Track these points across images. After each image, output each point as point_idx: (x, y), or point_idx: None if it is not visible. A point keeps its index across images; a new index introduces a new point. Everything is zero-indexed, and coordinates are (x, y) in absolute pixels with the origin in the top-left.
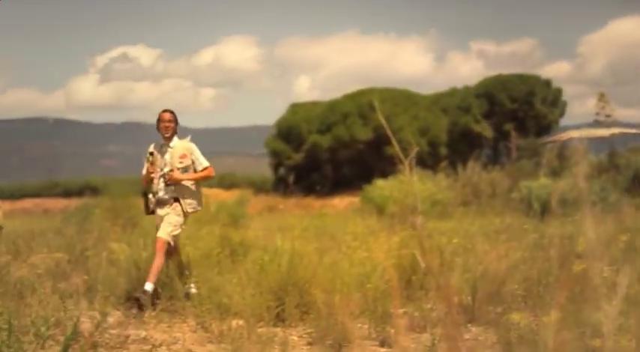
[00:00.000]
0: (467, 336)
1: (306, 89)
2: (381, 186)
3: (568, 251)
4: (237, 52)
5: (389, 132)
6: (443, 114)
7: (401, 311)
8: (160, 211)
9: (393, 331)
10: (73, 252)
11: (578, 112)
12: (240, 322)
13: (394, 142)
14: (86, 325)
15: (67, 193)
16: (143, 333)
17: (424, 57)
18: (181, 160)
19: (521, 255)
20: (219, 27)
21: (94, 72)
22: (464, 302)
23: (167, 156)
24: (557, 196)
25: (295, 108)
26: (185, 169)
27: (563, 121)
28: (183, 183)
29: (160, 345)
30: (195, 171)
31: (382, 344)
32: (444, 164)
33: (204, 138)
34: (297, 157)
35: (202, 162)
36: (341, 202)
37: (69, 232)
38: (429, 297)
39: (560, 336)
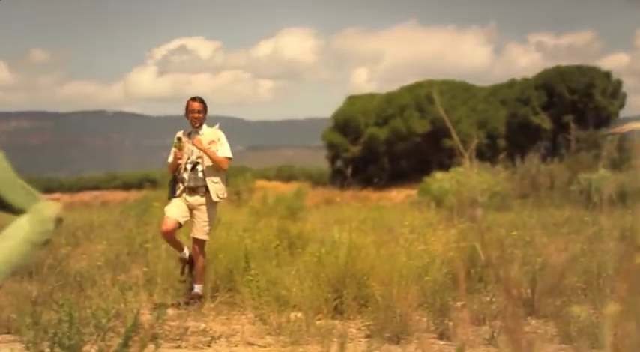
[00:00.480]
0: (526, 329)
1: (364, 81)
2: (439, 179)
3: (628, 243)
4: (295, 44)
5: (448, 124)
6: (501, 106)
7: (460, 303)
8: (189, 198)
9: (451, 323)
10: (133, 244)
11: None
12: (299, 314)
13: (453, 134)
14: (146, 317)
15: (126, 186)
16: (202, 325)
17: (483, 49)
18: (209, 146)
19: (580, 247)
20: (277, 19)
21: (153, 64)
22: (523, 294)
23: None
24: (617, 188)
25: (352, 100)
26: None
27: (623, 113)
28: (211, 169)
29: (219, 337)
30: None
31: (441, 337)
32: (502, 156)
33: (262, 131)
34: (355, 149)
35: (225, 151)
36: (398, 195)
37: (128, 224)
38: (488, 290)
39: (621, 329)
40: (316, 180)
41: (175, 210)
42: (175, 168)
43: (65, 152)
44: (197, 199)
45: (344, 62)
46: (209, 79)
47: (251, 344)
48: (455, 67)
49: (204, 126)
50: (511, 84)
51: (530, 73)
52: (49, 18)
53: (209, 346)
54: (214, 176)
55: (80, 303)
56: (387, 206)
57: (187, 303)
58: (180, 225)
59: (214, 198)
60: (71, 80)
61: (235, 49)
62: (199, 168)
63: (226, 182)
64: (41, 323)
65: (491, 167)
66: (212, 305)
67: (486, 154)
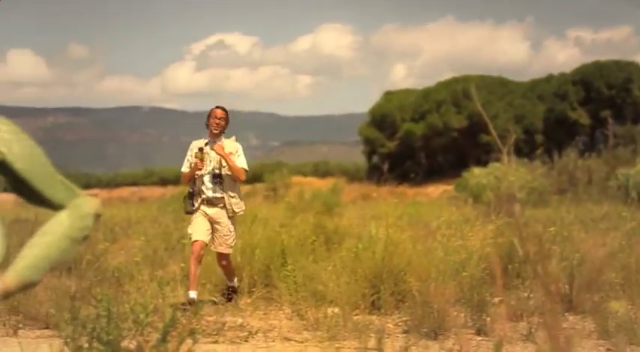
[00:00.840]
0: (564, 325)
1: (402, 77)
2: (476, 174)
3: None
4: (333, 39)
5: (486, 119)
6: (539, 101)
7: (497, 299)
8: (209, 210)
9: (489, 319)
10: (170, 239)
11: None
12: (336, 310)
13: (491, 130)
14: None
15: (163, 181)
16: (239, 320)
17: (520, 44)
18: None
19: (619, 242)
20: (315, 14)
21: (190, 59)
22: (561, 290)
23: (213, 154)
24: None
25: (389, 96)
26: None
27: None
28: (229, 182)
29: (257, 332)
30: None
31: (478, 333)
32: (539, 152)
33: (299, 127)
34: (391, 145)
35: (242, 162)
36: (435, 190)
37: (165, 220)
38: (526, 286)
39: None
40: (352, 176)
41: (201, 231)
42: (190, 178)
43: (102, 148)
44: (217, 212)
45: (382, 58)
46: (247, 75)
47: (288, 339)
48: (492, 63)
49: (223, 137)
50: (548, 79)
51: (568, 69)
52: (87, 13)
53: (246, 341)
54: (232, 190)
55: (118, 298)
56: (424, 201)
57: (230, 300)
58: (206, 245)
59: (230, 214)
60: (108, 76)
61: (273, 44)
62: (218, 180)
63: (242, 197)
64: (79, 318)
65: (528, 162)
66: (249, 301)
67: (524, 150)
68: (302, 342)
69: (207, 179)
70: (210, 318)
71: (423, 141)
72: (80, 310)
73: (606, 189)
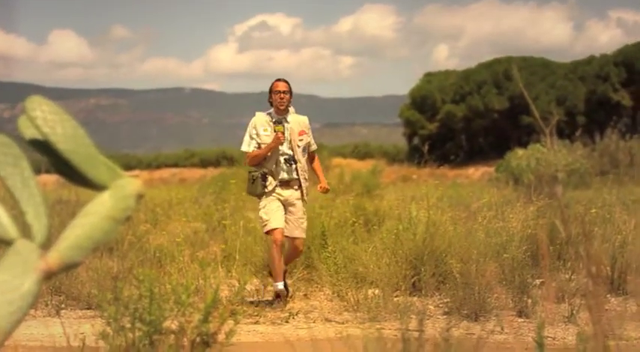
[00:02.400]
0: (607, 307)
1: (445, 57)
2: (518, 156)
3: None
4: (376, 20)
5: (528, 101)
6: (580, 82)
7: (539, 281)
8: (283, 192)
9: (530, 301)
10: (211, 221)
11: None
12: (376, 291)
13: (534, 111)
14: (225, 293)
15: (204, 163)
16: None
17: (563, 25)
18: (301, 137)
19: None
20: None
21: (233, 41)
22: (603, 272)
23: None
24: None
25: (429, 77)
26: (304, 149)
27: None
28: (304, 163)
29: (297, 313)
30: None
31: (520, 314)
32: (579, 132)
33: (339, 108)
34: (432, 127)
35: (314, 143)
36: (475, 172)
37: (206, 201)
38: (568, 267)
39: None
40: (392, 158)
41: (278, 218)
42: (263, 158)
43: (143, 129)
44: (292, 193)
45: (424, 39)
46: (289, 56)
47: (329, 320)
48: (535, 44)
49: (291, 110)
50: (590, 60)
51: (610, 49)
52: None
53: (287, 322)
54: (305, 171)
55: (160, 279)
56: (464, 183)
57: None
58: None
59: (305, 197)
60: (151, 57)
61: (316, 25)
62: (293, 160)
63: None
64: (122, 298)
65: (569, 144)
66: (290, 282)
67: (565, 131)
68: (342, 323)
69: (281, 159)
70: (251, 299)
71: (463, 123)
72: (122, 290)
73: None
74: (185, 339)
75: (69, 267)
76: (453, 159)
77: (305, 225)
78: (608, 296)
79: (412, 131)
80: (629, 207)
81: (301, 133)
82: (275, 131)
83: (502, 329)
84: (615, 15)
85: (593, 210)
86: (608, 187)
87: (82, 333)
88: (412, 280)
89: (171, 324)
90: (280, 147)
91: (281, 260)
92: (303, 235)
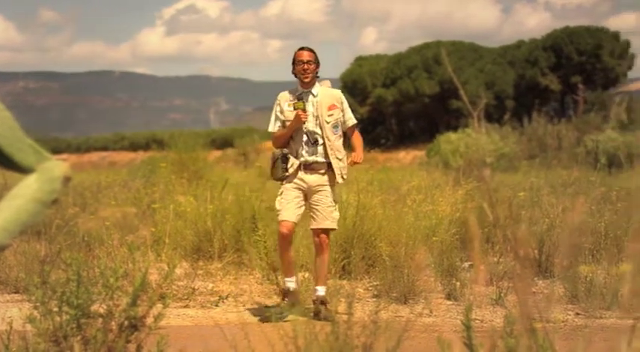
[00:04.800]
0: (534, 289)
1: (373, 41)
2: (448, 140)
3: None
4: (304, 4)
5: (458, 85)
6: (509, 67)
7: (467, 264)
8: (307, 177)
9: (459, 284)
10: (140, 204)
11: None
12: (307, 275)
13: (462, 95)
14: (154, 277)
15: (134, 146)
16: (210, 285)
17: (491, 9)
18: (331, 112)
19: (588, 208)
20: None
21: (161, 24)
22: (531, 255)
23: (310, 108)
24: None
25: (360, 61)
26: (335, 125)
27: (632, 74)
28: (335, 142)
29: (227, 297)
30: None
31: (448, 297)
32: (507, 117)
33: (270, 92)
34: (362, 111)
35: (352, 117)
36: (406, 156)
37: (136, 185)
38: (496, 250)
39: (634, 288)
40: None
41: (291, 209)
42: (287, 138)
43: (72, 112)
44: (318, 178)
45: (353, 22)
46: (218, 39)
47: (259, 303)
48: (463, 27)
49: (317, 84)
50: (519, 45)
51: (539, 33)
52: None
53: (217, 306)
54: (338, 151)
55: (88, 263)
56: (395, 167)
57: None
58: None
59: (339, 180)
60: (79, 40)
61: (244, 8)
62: (318, 141)
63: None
64: (49, 282)
65: (499, 128)
66: (220, 266)
67: (494, 115)
68: (272, 307)
69: (304, 139)
70: (180, 283)
71: (394, 107)
72: (50, 274)
73: (576, 154)
74: (113, 323)
75: None
76: (383, 143)
77: (336, 214)
78: (536, 279)
79: None
80: (557, 191)
81: (331, 107)
82: (295, 108)
83: (431, 311)
84: None
85: (521, 194)
86: (536, 171)
87: (10, 317)
88: (342, 263)
89: (99, 308)
90: (306, 125)
91: (289, 254)
92: (334, 226)
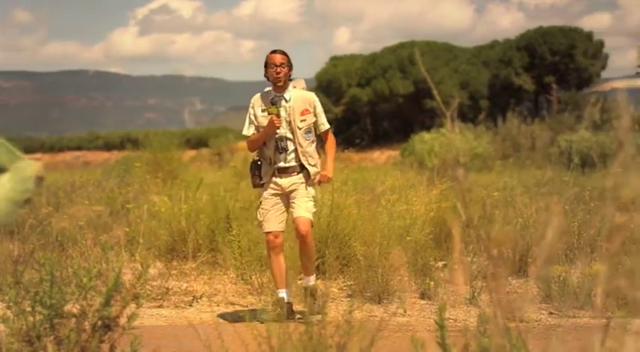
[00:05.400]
0: (507, 289)
1: (346, 41)
2: (422, 140)
3: (609, 203)
4: (277, 4)
5: (431, 85)
6: (483, 67)
7: (441, 263)
8: (280, 181)
9: (433, 283)
10: (114, 204)
11: (620, 65)
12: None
13: (436, 95)
14: (128, 276)
15: (108, 146)
16: (184, 285)
17: (465, 9)
18: (303, 118)
19: (561, 207)
20: None
21: (135, 24)
22: (504, 255)
23: (282, 113)
24: (598, 149)
25: (335, 61)
26: (308, 130)
27: (605, 74)
28: (307, 148)
29: (201, 297)
30: (315, 132)
31: (422, 297)
32: (482, 116)
33: (244, 92)
34: (337, 110)
35: (325, 122)
36: (381, 156)
37: (110, 185)
38: (469, 250)
39: (608, 288)
40: None
41: (273, 219)
42: (261, 143)
43: (46, 112)
44: (291, 179)
45: (325, 22)
46: (191, 39)
47: (233, 303)
48: (437, 27)
49: (291, 87)
50: (493, 45)
51: (512, 33)
52: None
53: (191, 305)
54: (311, 156)
55: (62, 263)
56: (369, 167)
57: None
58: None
59: (315, 182)
60: (53, 40)
61: (217, 8)
62: (290, 145)
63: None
64: (22, 282)
65: (473, 128)
66: (194, 266)
67: (468, 115)
68: (246, 306)
69: (278, 144)
70: (154, 283)
71: (369, 107)
72: (23, 274)
73: (549, 154)
74: (86, 323)
75: None
76: (358, 142)
77: (310, 205)
78: (509, 278)
79: None
80: (530, 191)
81: (304, 112)
82: (269, 113)
83: (405, 311)
84: None
85: (495, 194)
86: (509, 171)
87: None
88: (316, 263)
89: (73, 308)
90: (279, 130)
91: (279, 264)
92: (308, 215)
